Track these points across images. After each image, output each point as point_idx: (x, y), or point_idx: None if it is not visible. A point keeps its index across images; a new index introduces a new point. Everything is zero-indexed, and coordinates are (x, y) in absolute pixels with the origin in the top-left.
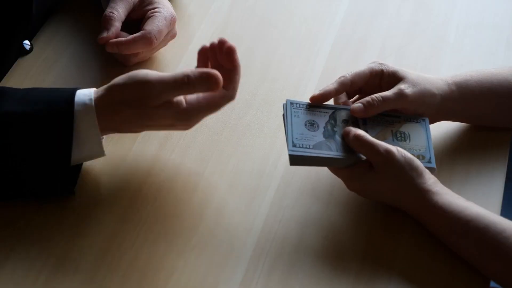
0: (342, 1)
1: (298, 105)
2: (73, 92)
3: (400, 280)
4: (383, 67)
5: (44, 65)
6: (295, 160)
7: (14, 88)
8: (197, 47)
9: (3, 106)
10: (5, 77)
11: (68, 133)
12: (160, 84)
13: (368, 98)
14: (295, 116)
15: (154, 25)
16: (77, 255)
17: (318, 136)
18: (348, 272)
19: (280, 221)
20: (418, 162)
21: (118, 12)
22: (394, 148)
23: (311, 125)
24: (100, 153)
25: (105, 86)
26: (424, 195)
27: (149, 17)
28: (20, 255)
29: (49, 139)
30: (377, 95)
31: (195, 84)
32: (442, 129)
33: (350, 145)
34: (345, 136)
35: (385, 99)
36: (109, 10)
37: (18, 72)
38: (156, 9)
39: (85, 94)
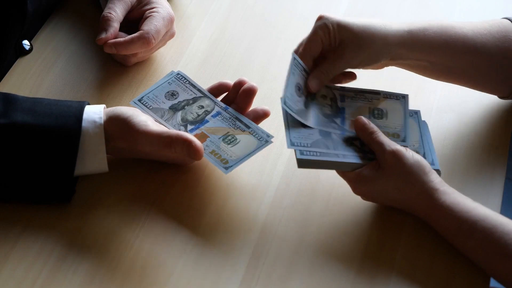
0: (342, 1)
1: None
2: (81, 108)
3: (400, 280)
4: (329, 30)
5: (44, 65)
6: (303, 163)
7: (22, 97)
8: (197, 47)
9: (11, 115)
10: (5, 77)
11: (74, 149)
12: (145, 137)
13: (317, 72)
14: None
15: (152, 25)
16: (77, 255)
17: (314, 134)
18: (348, 272)
19: (280, 221)
20: (425, 162)
21: (116, 12)
22: (403, 148)
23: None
24: (104, 169)
25: (111, 111)
26: (432, 194)
27: (147, 17)
28: (20, 255)
29: (55, 153)
30: (325, 67)
31: (176, 148)
32: (442, 129)
33: (361, 137)
34: (357, 128)
35: (332, 71)
36: (107, 11)
37: (18, 72)
38: (154, 9)
39: (95, 112)
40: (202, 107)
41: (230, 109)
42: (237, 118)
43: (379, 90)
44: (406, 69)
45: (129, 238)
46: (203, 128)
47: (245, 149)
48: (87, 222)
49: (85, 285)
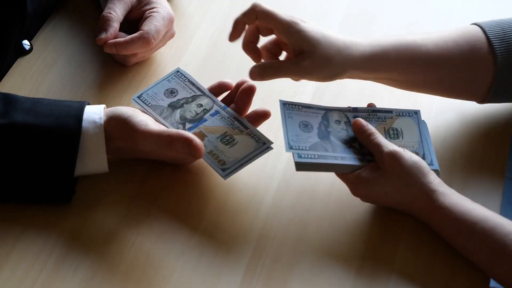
0: (342, 1)
1: (291, 106)
2: (81, 108)
3: (400, 280)
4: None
5: (44, 65)
6: (301, 166)
7: (22, 97)
8: (197, 47)
9: (12, 116)
10: (5, 77)
11: (74, 149)
12: (145, 136)
13: (266, 63)
14: (289, 117)
15: (152, 25)
16: (77, 255)
17: (313, 137)
18: (348, 272)
19: (280, 221)
20: (424, 163)
21: (116, 12)
22: (401, 149)
23: (305, 126)
24: (104, 169)
25: (111, 111)
26: (431, 195)
27: (147, 17)
28: (20, 255)
29: (55, 153)
30: (278, 65)
31: (177, 147)
32: (442, 129)
33: (359, 139)
34: (355, 130)
35: (282, 73)
36: (107, 11)
37: (18, 72)
38: (154, 9)
39: (95, 112)
40: (201, 105)
41: (228, 109)
42: (235, 118)
43: (391, 109)
44: (375, 81)
45: (129, 238)
46: (201, 127)
47: (243, 151)
48: (87, 222)
49: (85, 285)
